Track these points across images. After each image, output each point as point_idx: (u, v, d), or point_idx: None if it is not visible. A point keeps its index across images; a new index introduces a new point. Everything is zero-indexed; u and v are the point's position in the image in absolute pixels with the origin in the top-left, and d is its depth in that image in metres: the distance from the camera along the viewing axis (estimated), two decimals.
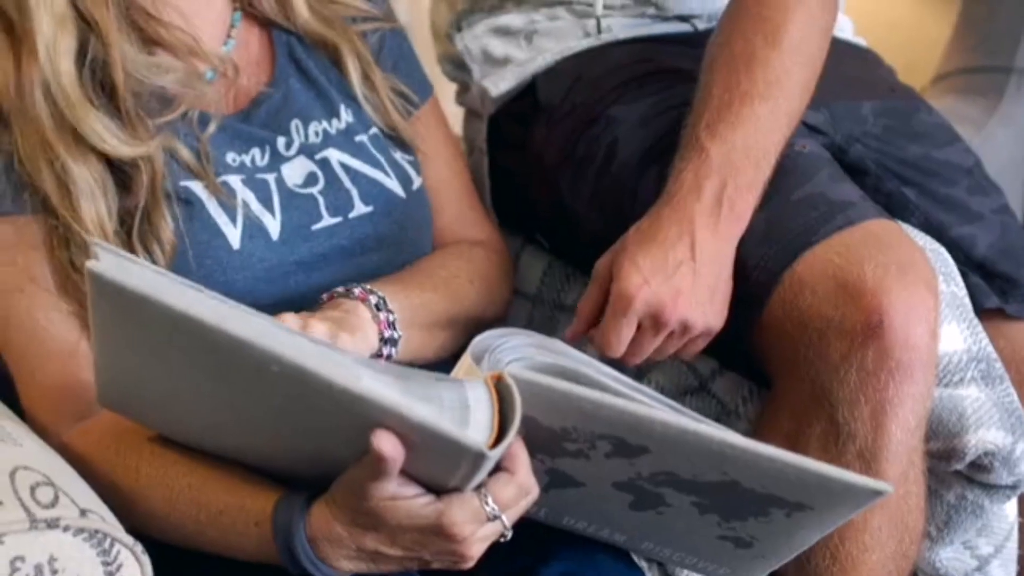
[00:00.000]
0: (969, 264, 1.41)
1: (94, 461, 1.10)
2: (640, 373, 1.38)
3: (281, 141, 1.30)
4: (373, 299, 1.20)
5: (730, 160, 1.21)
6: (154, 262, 1.18)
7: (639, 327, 1.18)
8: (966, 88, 2.05)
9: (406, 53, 1.41)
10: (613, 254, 1.21)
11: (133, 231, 1.19)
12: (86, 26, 1.20)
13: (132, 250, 1.18)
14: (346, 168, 1.31)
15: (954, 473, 1.31)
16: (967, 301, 1.33)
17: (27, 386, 1.20)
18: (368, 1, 1.38)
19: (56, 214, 1.17)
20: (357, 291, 1.20)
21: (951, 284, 1.32)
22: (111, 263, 0.93)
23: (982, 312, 1.37)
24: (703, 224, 1.19)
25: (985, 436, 1.26)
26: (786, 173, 1.26)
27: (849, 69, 1.50)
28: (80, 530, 0.98)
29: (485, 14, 1.54)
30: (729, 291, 1.21)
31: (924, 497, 1.24)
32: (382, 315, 1.20)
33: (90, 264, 0.90)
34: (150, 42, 1.25)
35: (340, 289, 1.21)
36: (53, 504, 0.98)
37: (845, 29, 1.58)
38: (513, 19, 1.51)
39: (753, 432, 1.27)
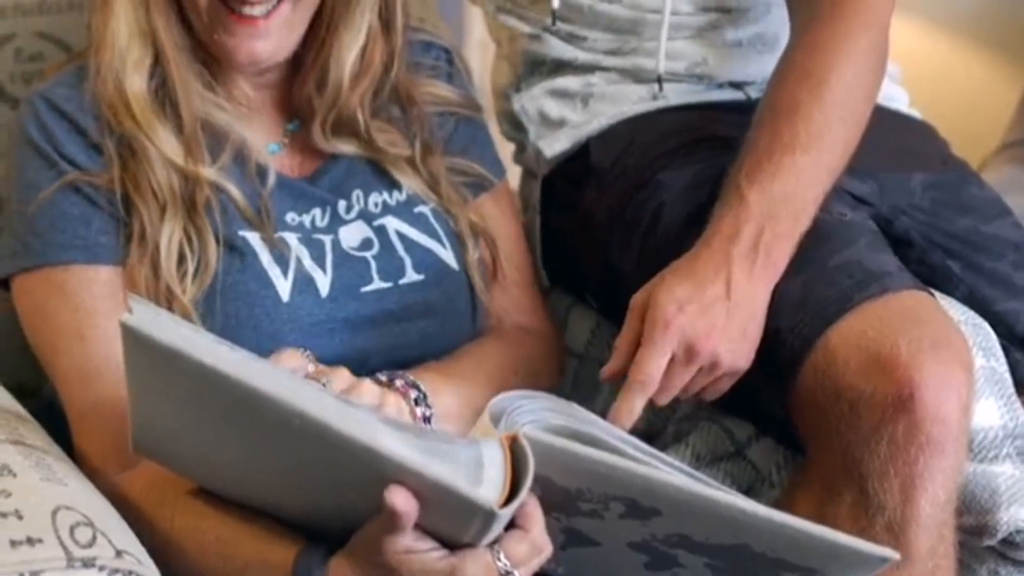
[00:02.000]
0: (1012, 340, 1.40)
1: (135, 507, 1.15)
2: (679, 436, 1.39)
3: (342, 204, 1.34)
4: (413, 394, 1.23)
5: (769, 209, 1.24)
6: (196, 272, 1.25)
7: (671, 360, 1.20)
8: None
9: (480, 137, 1.46)
10: (650, 287, 1.24)
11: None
12: (159, 47, 1.28)
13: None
14: (402, 236, 1.35)
15: (987, 548, 1.31)
16: (1007, 377, 1.33)
17: (79, 429, 1.25)
18: (450, 85, 1.43)
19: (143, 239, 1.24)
20: (399, 383, 1.23)
21: (991, 359, 1.32)
22: (146, 317, 0.97)
23: (1023, 389, 1.37)
24: (739, 266, 1.22)
25: (1018, 514, 1.26)
26: (825, 239, 1.27)
27: (901, 140, 1.51)
28: (115, 570, 1.02)
29: (543, 76, 1.56)
30: (759, 336, 1.23)
31: (954, 571, 1.23)
32: (419, 410, 1.22)
33: (125, 318, 0.95)
34: (214, 85, 1.31)
35: (383, 378, 1.24)
36: (91, 544, 1.02)
37: (900, 101, 1.59)
38: (570, 82, 1.54)
39: (785, 498, 1.28)
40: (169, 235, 1.25)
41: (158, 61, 1.28)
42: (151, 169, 1.25)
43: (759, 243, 1.23)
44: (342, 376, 1.18)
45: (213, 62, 1.32)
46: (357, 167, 1.37)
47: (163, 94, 1.28)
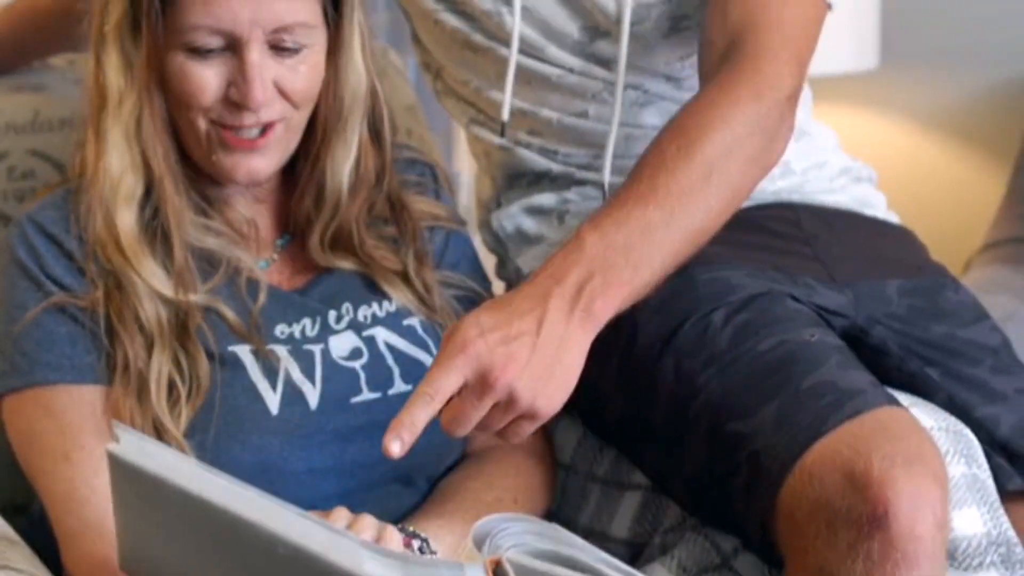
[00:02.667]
0: (993, 445, 1.41)
1: None
2: (665, 547, 1.40)
3: (332, 315, 1.37)
4: (416, 543, 1.24)
5: (604, 256, 1.19)
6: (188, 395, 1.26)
7: (467, 387, 1.14)
8: (1014, 257, 2.08)
9: (469, 252, 1.49)
10: (466, 314, 1.20)
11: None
12: (151, 176, 1.31)
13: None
14: (391, 347, 1.37)
15: None
16: (990, 483, 1.34)
17: (67, 549, 1.27)
18: (437, 201, 1.47)
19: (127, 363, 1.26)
20: (401, 537, 1.23)
21: (973, 466, 1.33)
22: (132, 445, 0.99)
23: (1006, 494, 1.37)
24: (557, 307, 1.16)
25: None
26: (795, 362, 1.27)
27: (877, 248, 1.53)
28: None
29: (521, 191, 1.59)
30: (571, 383, 1.17)
31: None
32: (424, 558, 1.22)
33: (111, 447, 0.97)
34: (204, 209, 1.34)
35: None
36: None
37: (877, 206, 1.61)
38: (546, 198, 1.56)
39: None
40: (158, 369, 1.27)
41: (150, 192, 1.31)
42: (139, 303, 1.28)
43: (584, 288, 1.17)
44: (340, 515, 1.20)
45: (207, 184, 1.35)
46: (348, 280, 1.40)
47: (155, 225, 1.31)
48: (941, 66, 2.58)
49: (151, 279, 1.29)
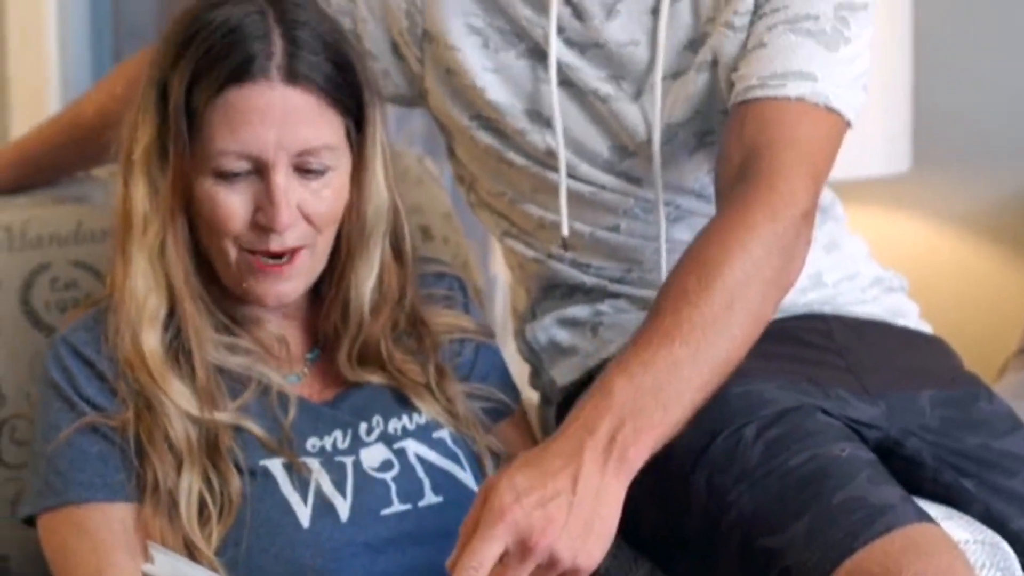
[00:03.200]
0: None
1: None
2: None
3: (363, 427, 1.39)
4: None
5: (634, 400, 1.19)
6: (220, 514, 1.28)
7: (505, 554, 1.14)
8: None
9: (498, 363, 1.51)
10: (501, 471, 1.19)
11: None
12: (174, 298, 1.34)
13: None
14: (421, 459, 1.39)
15: None
16: None
17: None
18: (465, 314, 1.49)
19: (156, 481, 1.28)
20: None
21: None
22: (166, 565, 1.01)
23: None
24: (591, 459, 1.16)
25: None
26: (826, 476, 1.28)
27: (910, 359, 1.54)
28: None
29: (555, 302, 1.61)
30: (610, 534, 1.17)
31: None
32: None
33: (145, 567, 0.99)
34: (229, 327, 1.37)
35: None
36: None
37: (909, 315, 1.62)
38: (580, 310, 1.58)
39: None
40: (188, 488, 1.29)
41: (173, 312, 1.34)
42: (168, 423, 1.30)
43: (617, 437, 1.17)
44: None
45: (235, 304, 1.38)
46: (377, 393, 1.42)
47: (177, 344, 1.34)
48: (973, 167, 2.59)
49: (178, 398, 1.31)
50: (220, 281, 1.37)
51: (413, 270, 1.44)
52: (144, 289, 1.33)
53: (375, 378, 1.41)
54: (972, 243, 2.59)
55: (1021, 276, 2.54)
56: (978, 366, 1.63)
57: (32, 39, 2.08)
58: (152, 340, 1.32)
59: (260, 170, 1.31)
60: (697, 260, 1.27)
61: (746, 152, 1.34)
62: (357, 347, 1.40)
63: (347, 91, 1.34)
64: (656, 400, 1.19)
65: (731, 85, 1.42)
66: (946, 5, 2.57)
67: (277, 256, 1.33)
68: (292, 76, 1.30)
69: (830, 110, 1.36)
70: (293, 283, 1.35)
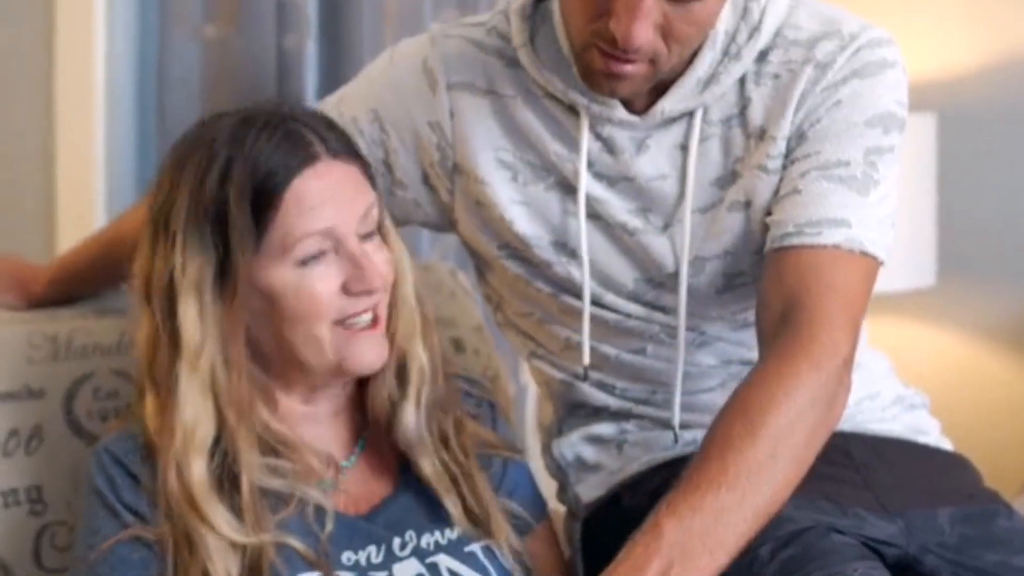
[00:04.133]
0: None
1: None
2: None
3: (396, 542, 1.41)
4: None
5: (683, 542, 1.23)
6: None
7: None
8: None
9: (525, 480, 1.54)
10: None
11: None
12: (223, 425, 1.35)
13: None
14: (453, 574, 1.41)
15: None
16: None
17: None
18: (491, 428, 1.53)
19: None
20: None
21: None
22: None
23: None
24: None
25: None
26: None
27: (929, 476, 1.55)
28: None
29: (581, 419, 1.64)
30: None
31: None
32: None
33: None
34: (274, 448, 1.38)
35: None
36: None
37: (930, 432, 1.64)
38: (605, 428, 1.61)
39: None
40: None
41: (219, 439, 1.35)
42: (208, 558, 1.32)
43: None
44: None
45: (281, 422, 1.40)
46: (411, 506, 1.44)
47: (223, 470, 1.35)
48: (997, 280, 2.62)
49: (222, 526, 1.32)
50: (269, 400, 1.40)
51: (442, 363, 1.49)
52: (193, 419, 1.34)
53: (427, 455, 1.44)
54: (996, 355, 2.61)
55: None
56: (1000, 481, 1.65)
57: (80, 110, 2.14)
58: (199, 470, 1.33)
59: (336, 245, 1.37)
60: (742, 407, 1.31)
61: (786, 300, 1.38)
62: (424, 403, 1.44)
63: (364, 158, 1.44)
64: (704, 545, 1.24)
65: (765, 228, 1.46)
66: (970, 121, 2.62)
67: (364, 317, 1.38)
68: (334, 152, 1.39)
69: (865, 255, 1.41)
70: (384, 342, 1.41)
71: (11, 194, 2.23)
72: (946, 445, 1.66)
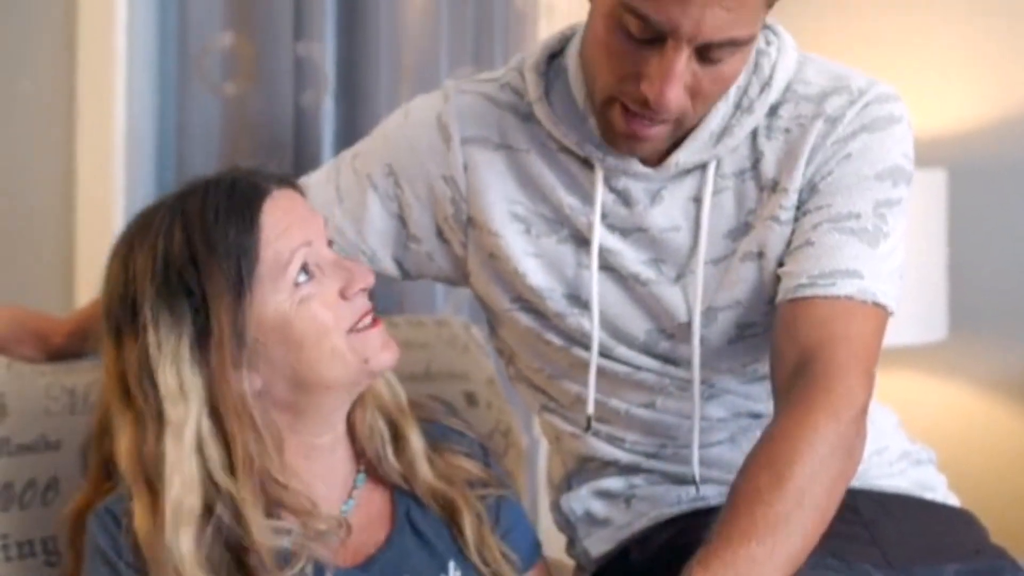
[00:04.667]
0: None
1: None
2: None
3: None
4: None
5: None
6: None
7: None
8: None
9: (519, 519, 1.55)
10: None
11: None
12: (215, 491, 1.36)
13: None
14: None
15: None
16: None
17: None
18: (486, 468, 1.54)
19: None
20: None
21: None
22: None
23: None
24: None
25: None
26: None
27: (935, 531, 1.56)
28: None
29: (591, 474, 1.65)
30: None
31: None
32: None
33: None
34: (273, 505, 1.39)
35: None
36: None
37: (936, 488, 1.65)
38: (614, 482, 1.63)
39: None
40: None
41: (211, 509, 1.35)
42: None
43: None
44: None
45: (279, 473, 1.40)
46: (407, 550, 1.46)
47: (216, 542, 1.35)
48: (1009, 334, 2.63)
49: None
50: (277, 447, 1.40)
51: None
52: (179, 494, 1.34)
53: (428, 478, 1.47)
54: (1006, 409, 2.62)
55: None
56: (1007, 537, 1.65)
57: (100, 163, 2.17)
58: (187, 543, 1.33)
59: (317, 259, 1.40)
60: (766, 460, 1.34)
61: (801, 351, 1.41)
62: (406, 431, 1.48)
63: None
64: None
65: (777, 279, 1.48)
66: (980, 176, 2.63)
67: (367, 318, 1.42)
68: (281, 182, 1.44)
69: (876, 305, 1.43)
70: (391, 336, 1.44)
71: (31, 245, 2.25)
72: (953, 501, 1.67)
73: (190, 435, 1.35)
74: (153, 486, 1.36)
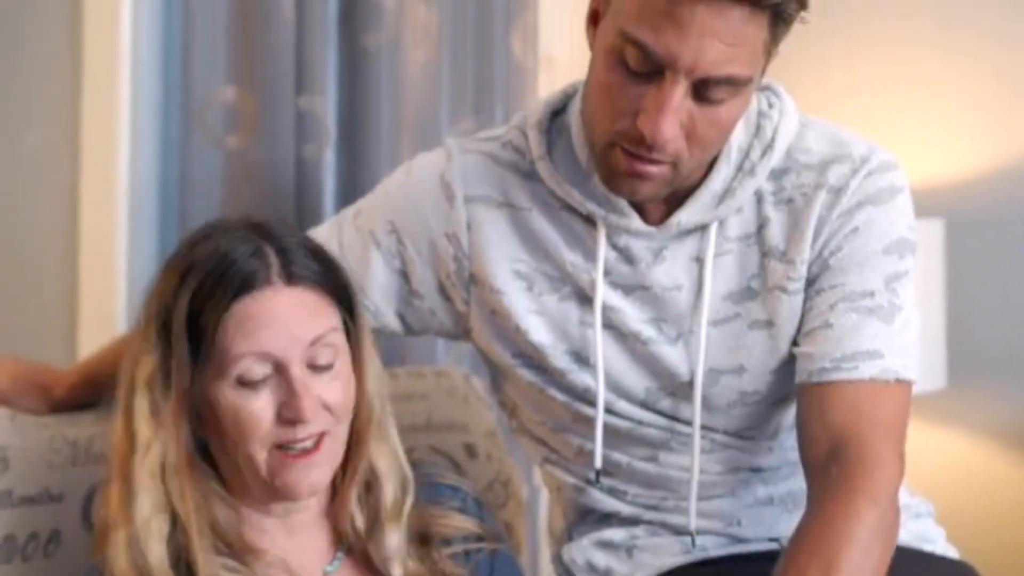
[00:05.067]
0: None
1: None
2: None
3: None
4: None
5: None
6: None
7: None
8: None
9: (514, 573, 1.54)
10: None
11: None
12: (175, 517, 1.38)
13: None
14: None
15: None
16: None
17: None
18: (475, 519, 1.53)
19: None
20: None
21: None
22: None
23: None
24: None
25: None
26: None
27: None
28: None
29: (591, 525, 1.66)
30: None
31: None
32: None
33: None
34: (237, 553, 1.41)
35: None
36: None
37: (935, 541, 1.66)
38: (615, 533, 1.63)
39: None
40: None
41: (174, 529, 1.38)
42: None
43: None
44: None
45: (243, 530, 1.43)
46: None
47: (180, 562, 1.38)
48: (1008, 383, 2.64)
49: None
50: (228, 504, 1.43)
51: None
52: (148, 513, 1.37)
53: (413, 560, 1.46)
54: (1006, 458, 2.62)
55: None
56: None
57: (104, 215, 2.18)
58: (157, 555, 1.36)
59: (278, 370, 1.38)
60: (814, 549, 1.37)
61: (833, 437, 1.44)
62: (393, 518, 1.46)
63: (338, 285, 1.44)
64: None
65: (789, 352, 1.51)
66: (977, 226, 2.64)
67: (304, 444, 1.39)
68: (291, 278, 1.40)
69: (900, 382, 1.47)
70: (321, 469, 1.41)
71: (35, 297, 2.26)
72: (952, 553, 1.67)
73: (155, 462, 1.38)
74: (124, 484, 1.39)
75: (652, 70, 1.37)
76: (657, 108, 1.37)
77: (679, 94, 1.37)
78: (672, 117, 1.38)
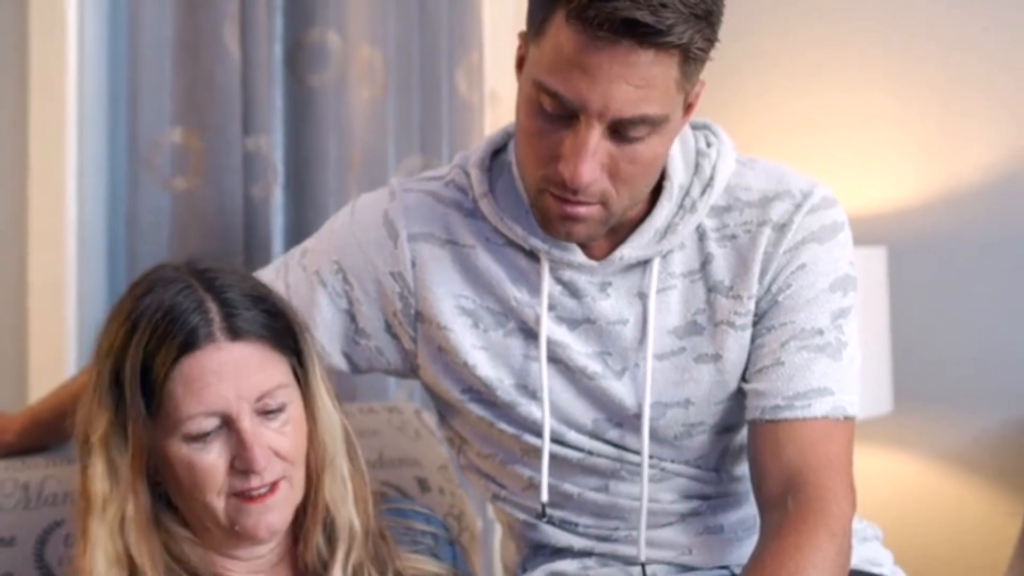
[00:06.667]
0: None
1: None
2: None
3: None
4: None
5: None
6: None
7: None
8: None
9: None
10: None
11: None
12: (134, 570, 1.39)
13: None
14: None
15: None
16: None
17: None
18: (449, 565, 1.54)
19: None
20: None
21: None
22: None
23: None
24: None
25: None
26: None
27: None
28: None
29: (545, 558, 1.67)
30: None
31: None
32: None
33: None
34: None
35: None
36: None
37: (883, 564, 1.67)
38: (568, 565, 1.64)
39: None
40: None
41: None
42: None
43: None
44: None
45: (218, 562, 1.44)
46: None
47: None
48: (952, 405, 2.67)
49: None
50: (198, 546, 1.43)
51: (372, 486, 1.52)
52: (105, 566, 1.37)
53: None
54: (951, 480, 2.65)
55: (999, 512, 2.59)
56: None
57: (52, 257, 2.18)
58: None
59: (227, 423, 1.38)
60: None
61: (787, 473, 1.48)
62: (353, 563, 1.46)
63: (284, 333, 1.44)
64: None
65: (737, 385, 1.55)
66: (919, 252, 2.68)
67: (259, 490, 1.40)
68: (235, 333, 1.40)
69: (847, 418, 1.51)
70: (279, 511, 1.42)
71: None
72: (900, 575, 1.69)
73: (113, 518, 1.38)
74: (84, 546, 1.39)
75: (568, 114, 1.40)
76: (575, 152, 1.40)
77: (595, 137, 1.39)
78: (590, 160, 1.40)
